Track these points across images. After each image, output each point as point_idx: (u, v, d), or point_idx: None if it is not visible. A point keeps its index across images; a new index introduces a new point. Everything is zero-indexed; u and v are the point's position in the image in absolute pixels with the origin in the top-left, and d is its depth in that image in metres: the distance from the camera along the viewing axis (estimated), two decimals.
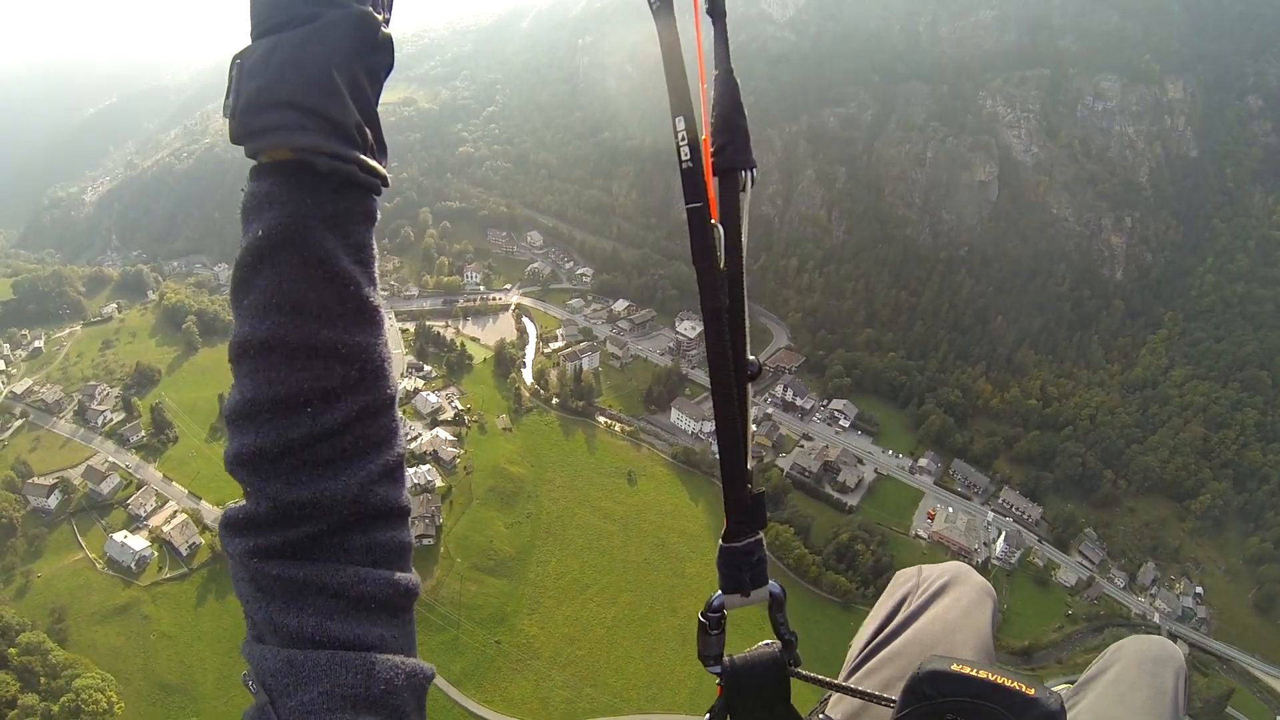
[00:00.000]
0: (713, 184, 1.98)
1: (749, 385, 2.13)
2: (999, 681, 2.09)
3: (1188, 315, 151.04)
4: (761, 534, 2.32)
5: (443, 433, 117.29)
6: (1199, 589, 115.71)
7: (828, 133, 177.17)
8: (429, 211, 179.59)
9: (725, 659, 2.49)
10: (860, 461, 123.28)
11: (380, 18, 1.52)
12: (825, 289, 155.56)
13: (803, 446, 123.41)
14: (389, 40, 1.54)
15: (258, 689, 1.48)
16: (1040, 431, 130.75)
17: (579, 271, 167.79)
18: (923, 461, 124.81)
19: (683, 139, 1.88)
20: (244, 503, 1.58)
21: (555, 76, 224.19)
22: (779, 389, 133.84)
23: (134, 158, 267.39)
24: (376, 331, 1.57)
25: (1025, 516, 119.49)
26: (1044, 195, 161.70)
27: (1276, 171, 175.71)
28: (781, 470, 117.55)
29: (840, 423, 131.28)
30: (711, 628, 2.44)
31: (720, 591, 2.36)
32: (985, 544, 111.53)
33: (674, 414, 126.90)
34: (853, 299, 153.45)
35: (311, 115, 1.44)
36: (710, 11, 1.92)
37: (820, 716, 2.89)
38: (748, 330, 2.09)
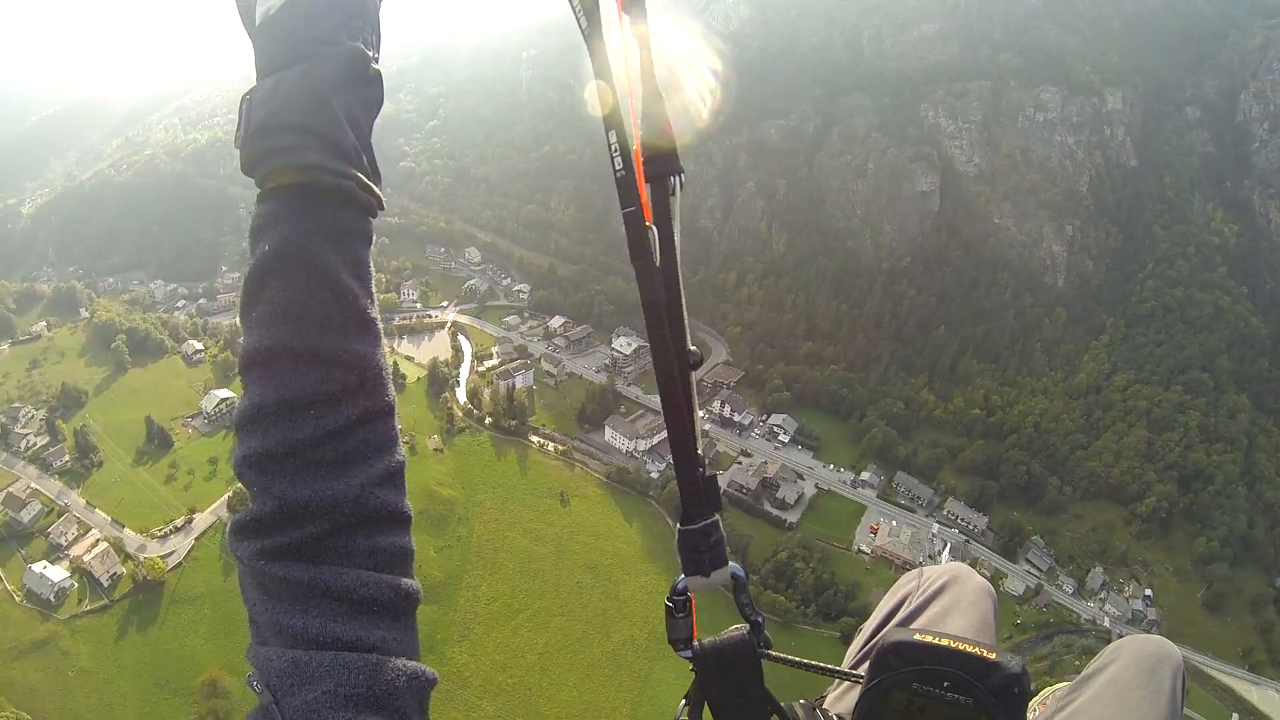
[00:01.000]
0: (645, 190, 2.09)
1: (691, 374, 2.22)
2: (959, 647, 2.14)
3: (1129, 321, 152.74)
4: (718, 516, 2.36)
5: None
6: (1148, 591, 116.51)
7: (769, 145, 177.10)
8: None
9: (696, 643, 2.52)
10: (800, 477, 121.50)
11: (370, 54, 1.70)
12: (765, 302, 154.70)
13: (740, 463, 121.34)
14: (379, 75, 1.72)
15: (262, 689, 1.52)
16: (985, 441, 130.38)
17: (516, 288, 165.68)
18: (865, 475, 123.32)
19: (615, 150, 1.99)
20: (251, 506, 1.63)
21: (499, 90, 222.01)
22: (716, 404, 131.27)
23: (74, 169, 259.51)
24: (375, 342, 1.69)
25: (971, 527, 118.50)
26: (986, 205, 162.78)
27: (1214, 180, 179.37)
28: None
29: (780, 438, 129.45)
30: (678, 610, 2.48)
31: (683, 575, 2.41)
32: (930, 557, 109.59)
33: (608, 433, 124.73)
34: (793, 312, 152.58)
35: (314, 136, 1.60)
36: (634, 26, 2.01)
37: (819, 712, 2.86)
38: (686, 322, 2.20)
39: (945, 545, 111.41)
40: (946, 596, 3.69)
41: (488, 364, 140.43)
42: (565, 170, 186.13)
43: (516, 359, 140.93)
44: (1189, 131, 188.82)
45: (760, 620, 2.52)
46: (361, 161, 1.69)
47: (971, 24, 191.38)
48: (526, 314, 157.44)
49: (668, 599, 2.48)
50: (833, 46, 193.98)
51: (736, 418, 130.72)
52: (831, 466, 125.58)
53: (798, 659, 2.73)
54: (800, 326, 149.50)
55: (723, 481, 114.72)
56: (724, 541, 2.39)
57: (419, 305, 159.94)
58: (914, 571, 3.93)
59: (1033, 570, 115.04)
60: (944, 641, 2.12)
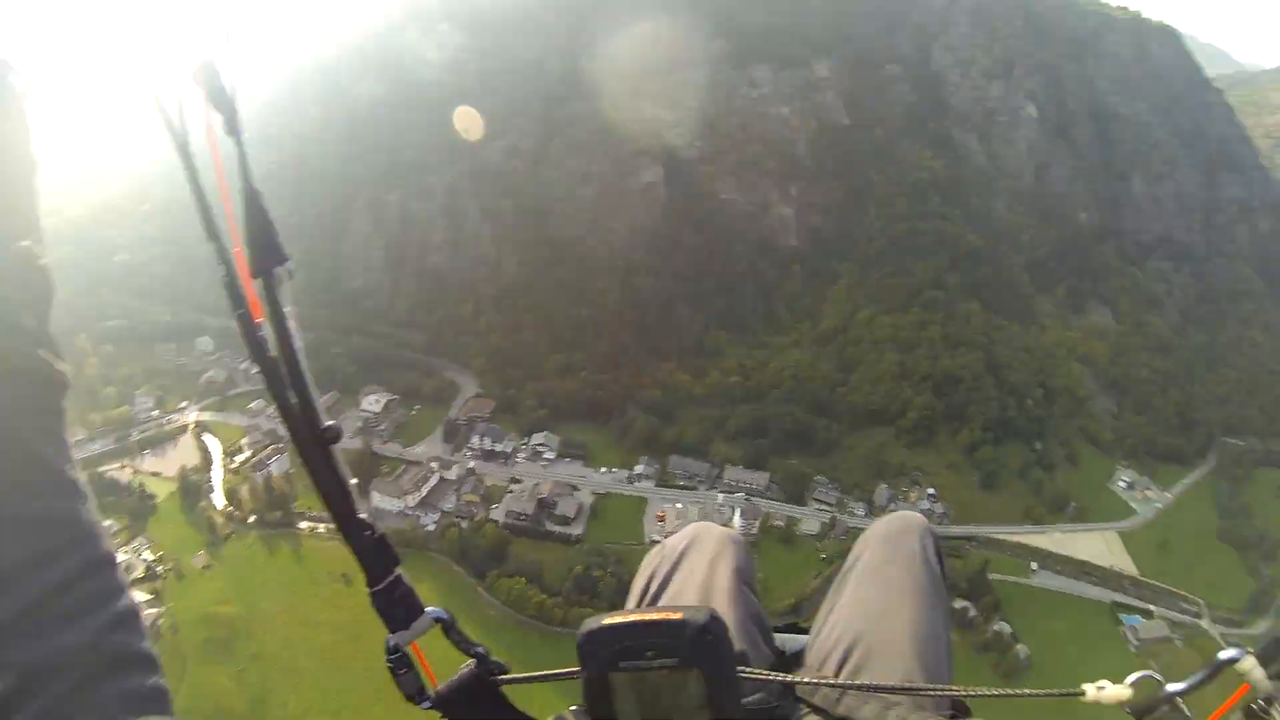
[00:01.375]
0: (253, 288, 2.14)
1: (333, 448, 2.29)
2: (644, 619, 2.21)
3: (862, 263, 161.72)
4: (399, 571, 2.41)
5: (136, 595, 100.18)
6: (930, 491, 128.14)
7: (491, 168, 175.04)
8: (86, 337, 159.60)
9: (432, 692, 2.58)
10: (575, 488, 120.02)
11: (38, 252, 1.68)
12: (505, 326, 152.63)
13: (513, 491, 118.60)
14: (46, 269, 1.68)
15: None
16: (748, 405, 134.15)
17: (255, 370, 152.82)
18: (639, 468, 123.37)
19: (217, 258, 2.07)
20: None
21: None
22: (476, 440, 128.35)
23: None
24: (81, 500, 1.69)
25: (754, 487, 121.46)
26: (712, 184, 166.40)
27: (919, 124, 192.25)
28: (497, 523, 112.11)
29: (546, 456, 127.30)
30: (399, 668, 2.52)
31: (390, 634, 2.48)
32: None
33: (375, 498, 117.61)
34: (534, 329, 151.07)
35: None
36: (228, 130, 2.00)
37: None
38: (316, 400, 2.23)
39: (734, 510, 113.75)
40: (690, 558, 3.62)
41: (240, 459, 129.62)
42: (289, 234, 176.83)
43: (268, 445, 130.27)
44: (892, 86, 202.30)
45: (481, 651, 2.58)
46: (45, 336, 1.67)
47: (683, 17, 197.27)
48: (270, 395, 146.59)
49: (386, 661, 2.50)
50: (550, 58, 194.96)
51: (499, 447, 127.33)
52: (604, 470, 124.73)
53: (531, 675, 2.74)
54: (544, 341, 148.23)
55: (499, 513, 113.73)
56: (412, 593, 2.44)
57: (156, 412, 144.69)
58: (656, 547, 3.83)
59: (823, 507, 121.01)
60: (631, 617, 2.20)
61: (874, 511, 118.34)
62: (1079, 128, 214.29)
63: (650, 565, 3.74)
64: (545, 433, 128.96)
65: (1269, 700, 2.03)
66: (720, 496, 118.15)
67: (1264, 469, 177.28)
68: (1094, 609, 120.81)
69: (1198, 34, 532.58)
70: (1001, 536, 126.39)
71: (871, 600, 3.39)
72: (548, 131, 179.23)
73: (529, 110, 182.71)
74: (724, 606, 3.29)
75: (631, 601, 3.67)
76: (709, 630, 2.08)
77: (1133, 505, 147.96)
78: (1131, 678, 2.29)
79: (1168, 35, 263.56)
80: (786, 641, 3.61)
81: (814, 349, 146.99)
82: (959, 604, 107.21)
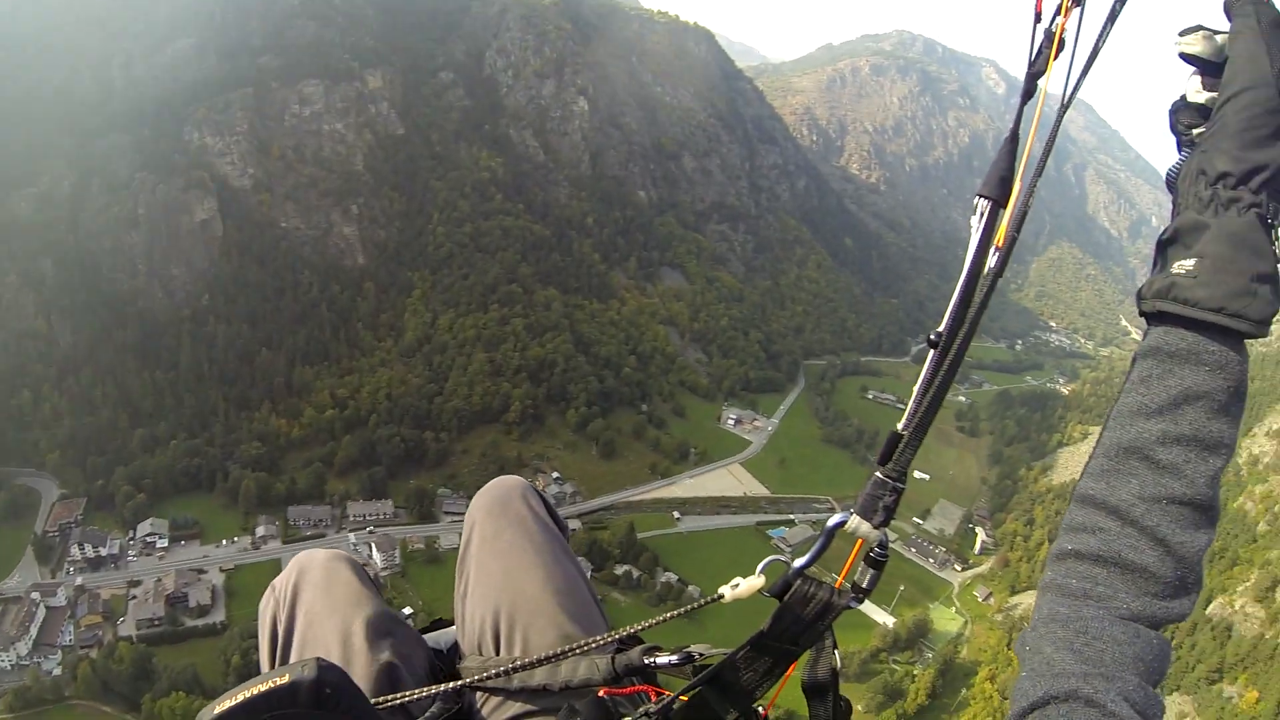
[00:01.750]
0: None
1: None
2: (252, 695, 1.98)
3: (433, 268, 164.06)
4: None
5: None
6: (555, 474, 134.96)
7: (21, 222, 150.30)
8: None
9: None
10: (202, 572, 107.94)
11: None
12: (74, 408, 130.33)
13: (135, 596, 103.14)
14: None
15: None
16: (352, 435, 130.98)
17: None
18: (260, 530, 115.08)
19: None
20: None
21: None
22: (75, 550, 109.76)
23: None
24: None
25: (381, 517, 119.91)
26: (270, 213, 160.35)
27: (475, 127, 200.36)
28: (130, 639, 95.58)
29: (159, 545, 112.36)
30: None
31: None
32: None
33: None
34: (108, 405, 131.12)
35: None
36: None
37: None
38: None
39: (370, 548, 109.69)
40: (305, 596, 3.28)
41: None
42: None
43: None
44: (446, 92, 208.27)
45: None
46: None
47: (229, 31, 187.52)
48: None
49: None
50: (80, 83, 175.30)
51: (104, 552, 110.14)
52: (225, 542, 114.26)
53: None
54: (123, 417, 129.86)
55: (128, 626, 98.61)
56: None
57: None
58: (267, 591, 3.44)
59: (456, 518, 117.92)
60: (240, 698, 1.92)
61: None
62: (629, 117, 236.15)
63: (268, 614, 3.48)
64: (151, 520, 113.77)
65: (882, 545, 2.21)
66: (351, 536, 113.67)
67: (845, 378, 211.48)
68: (743, 534, 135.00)
69: (729, 33, 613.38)
70: (637, 497, 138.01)
71: (497, 572, 3.35)
72: (85, 173, 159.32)
73: (61, 146, 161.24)
74: (356, 633, 3.05)
75: (264, 659, 3.47)
76: (324, 683, 1.92)
77: (745, 437, 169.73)
78: (760, 566, 2.36)
79: (702, 34, 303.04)
80: (439, 638, 3.54)
81: (403, 363, 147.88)
82: (620, 569, 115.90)
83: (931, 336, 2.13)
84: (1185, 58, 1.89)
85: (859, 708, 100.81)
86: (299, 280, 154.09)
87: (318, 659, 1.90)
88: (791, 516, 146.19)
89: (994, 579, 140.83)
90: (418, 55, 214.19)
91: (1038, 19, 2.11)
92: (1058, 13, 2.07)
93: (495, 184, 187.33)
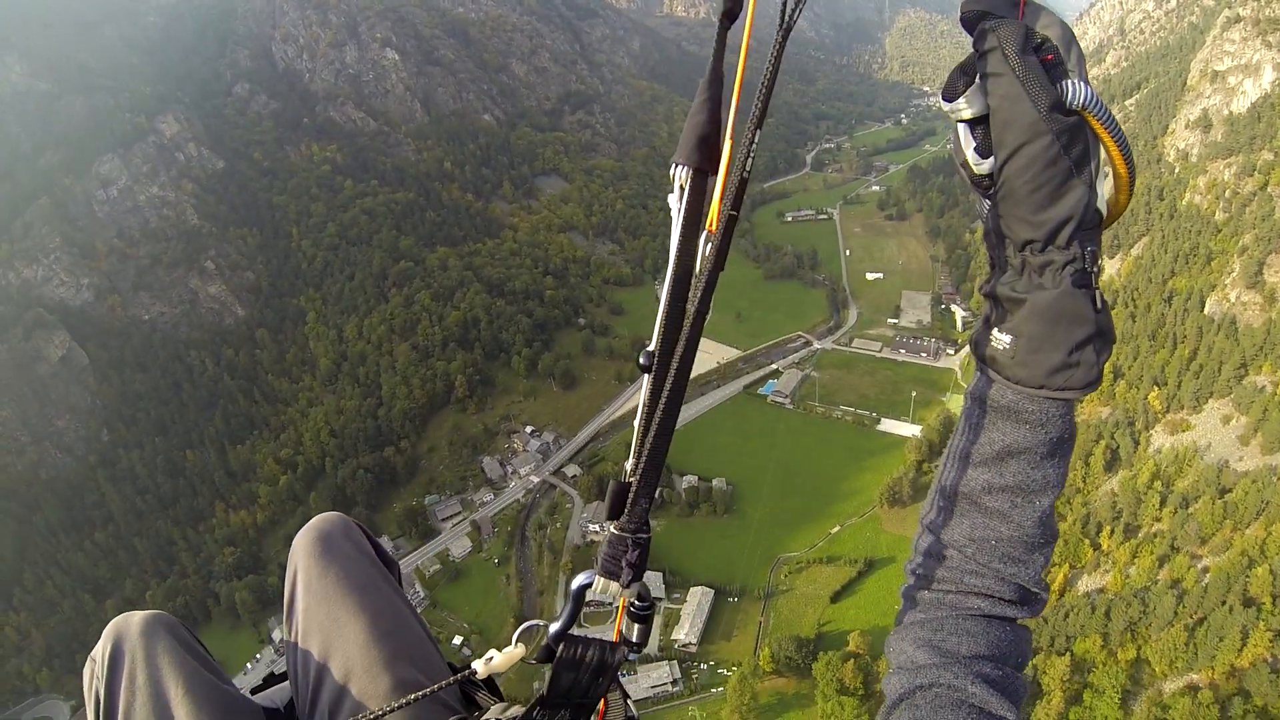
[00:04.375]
0: None
1: None
2: None
3: (315, 285, 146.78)
4: None
5: None
6: (530, 428, 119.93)
7: None
8: None
9: None
10: None
11: None
12: (35, 619, 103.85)
13: None
14: None
15: None
16: (314, 491, 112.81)
17: None
18: (277, 635, 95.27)
19: None
20: None
21: None
22: None
23: None
24: None
25: None
26: (127, 313, 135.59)
27: (293, 127, 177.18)
28: None
29: None
30: None
31: None
32: None
33: None
34: (65, 596, 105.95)
35: None
36: None
37: None
38: None
39: None
40: (123, 668, 2.92)
41: None
42: None
43: None
44: (249, 104, 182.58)
45: None
46: None
47: None
48: None
49: None
50: None
51: None
52: (249, 666, 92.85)
53: None
54: (86, 599, 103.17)
55: None
56: None
57: None
58: (88, 663, 3.05)
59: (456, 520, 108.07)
60: None
61: None
62: (443, 49, 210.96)
63: (90, 687, 2.98)
64: None
65: (641, 598, 2.03)
66: None
67: (757, 209, 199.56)
68: (738, 404, 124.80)
69: None
70: (618, 414, 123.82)
71: (324, 618, 3.00)
72: None
73: None
74: (178, 709, 2.77)
75: None
76: None
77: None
78: (516, 634, 2.25)
79: None
80: (274, 696, 3.19)
81: (330, 392, 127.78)
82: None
83: (641, 359, 1.89)
84: (965, 124, 1.69)
85: None
86: (189, 365, 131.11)
87: None
88: (774, 366, 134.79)
89: None
90: (203, 79, 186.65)
91: None
92: None
93: (339, 172, 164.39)
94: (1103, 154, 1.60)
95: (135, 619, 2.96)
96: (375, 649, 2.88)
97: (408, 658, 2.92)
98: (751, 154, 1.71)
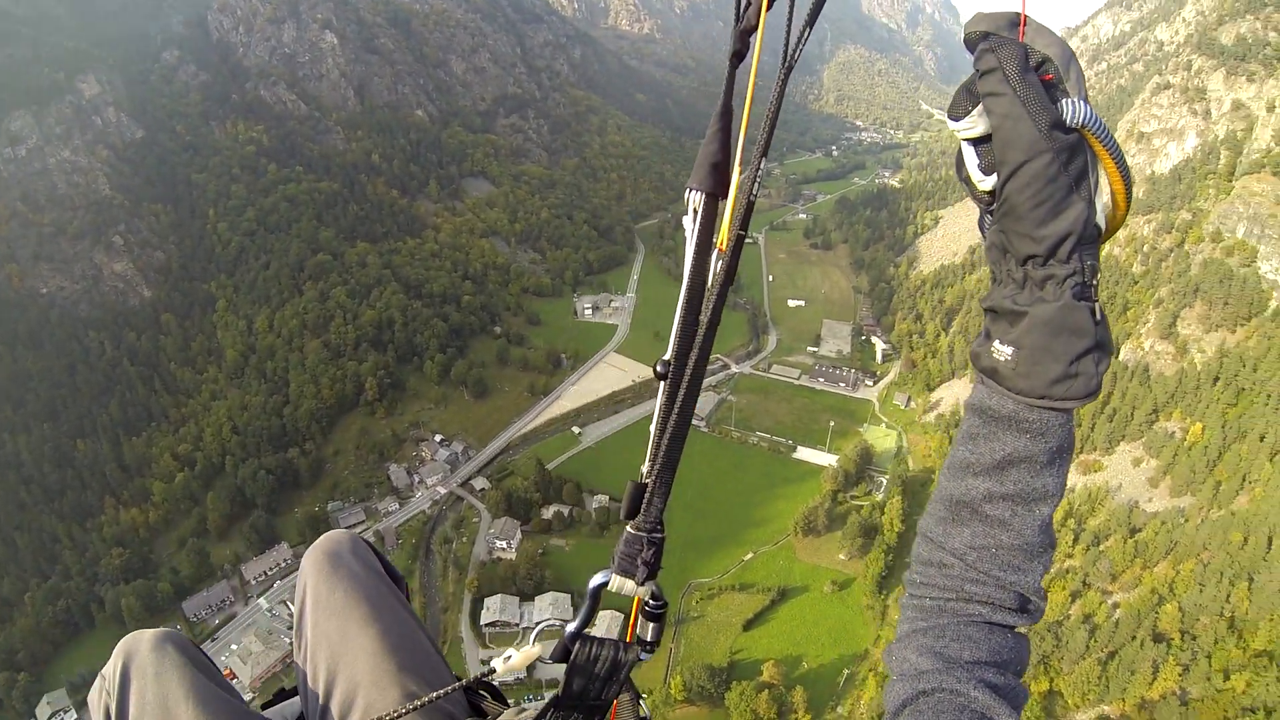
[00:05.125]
0: None
1: None
2: None
3: (229, 271, 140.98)
4: None
5: None
6: (439, 437, 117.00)
7: None
8: None
9: None
10: None
11: None
12: None
13: None
14: None
15: None
16: (212, 491, 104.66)
17: None
18: None
19: None
20: None
21: None
22: None
23: None
24: None
25: (284, 564, 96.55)
26: (24, 284, 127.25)
27: (220, 102, 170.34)
28: None
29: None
30: None
31: None
32: None
33: None
34: None
35: None
36: None
37: None
38: None
39: (287, 607, 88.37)
40: (134, 687, 2.96)
41: None
42: None
43: None
44: (176, 73, 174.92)
45: None
46: None
47: None
48: None
49: None
50: None
51: None
52: None
53: None
54: None
55: None
56: None
57: None
58: (97, 680, 3.09)
59: (362, 528, 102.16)
60: None
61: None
62: (383, 37, 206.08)
63: (99, 705, 2.99)
64: (46, 698, 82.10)
65: (655, 597, 2.15)
66: (263, 602, 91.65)
67: (681, 229, 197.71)
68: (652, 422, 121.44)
69: None
70: (530, 426, 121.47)
71: (333, 634, 3.07)
72: None
73: None
74: None
75: None
76: None
77: (609, 322, 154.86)
78: (533, 634, 2.38)
79: None
80: (284, 710, 3.27)
81: (236, 386, 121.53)
82: (548, 512, 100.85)
83: (658, 367, 1.97)
84: (969, 142, 1.73)
85: (841, 556, 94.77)
86: (86, 346, 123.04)
87: None
88: None
89: (906, 382, 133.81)
90: (132, 42, 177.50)
91: None
92: None
93: (264, 154, 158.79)
94: (1101, 171, 1.64)
95: (145, 636, 3.08)
96: (384, 662, 2.97)
97: (415, 670, 2.99)
98: (758, 180, 1.86)
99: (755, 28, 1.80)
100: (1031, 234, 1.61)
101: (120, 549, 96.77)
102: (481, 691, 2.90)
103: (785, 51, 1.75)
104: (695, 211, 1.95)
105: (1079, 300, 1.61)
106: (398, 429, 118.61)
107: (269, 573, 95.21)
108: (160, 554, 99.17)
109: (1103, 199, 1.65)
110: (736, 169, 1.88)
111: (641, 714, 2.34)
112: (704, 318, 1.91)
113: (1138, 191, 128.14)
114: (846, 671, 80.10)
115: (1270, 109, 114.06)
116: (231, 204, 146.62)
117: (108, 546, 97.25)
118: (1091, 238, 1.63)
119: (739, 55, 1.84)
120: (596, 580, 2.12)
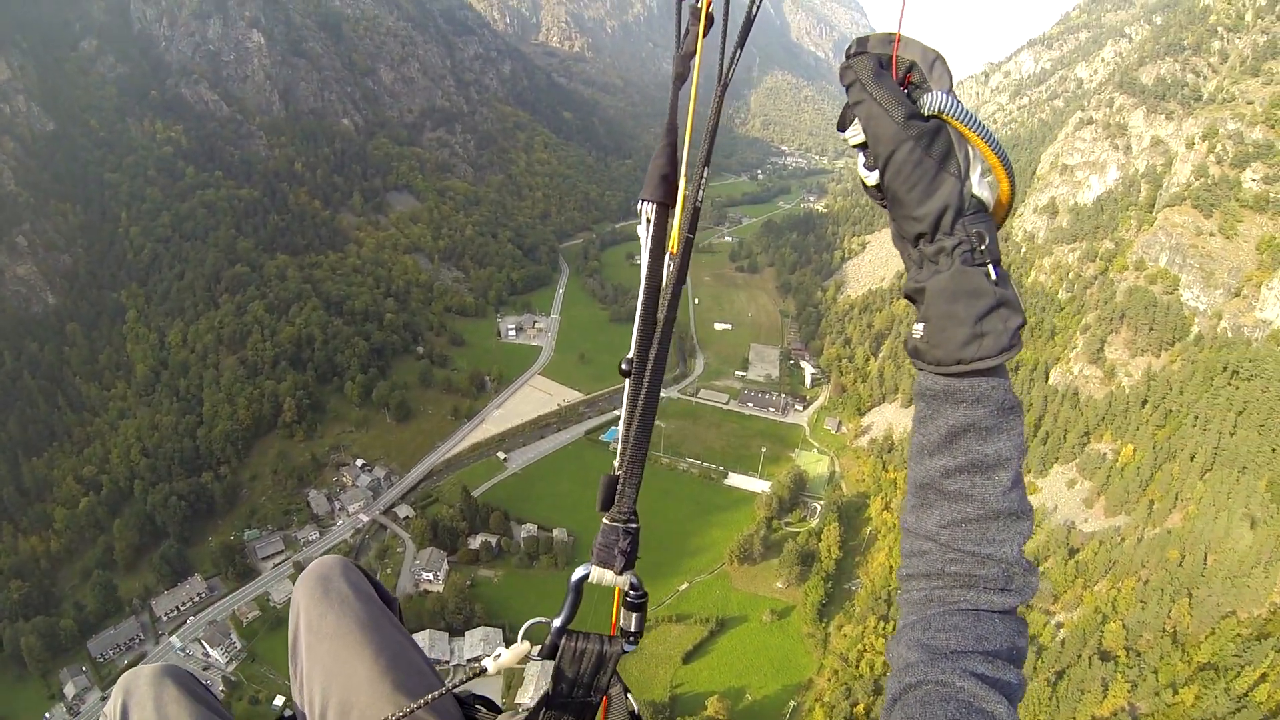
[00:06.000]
0: None
1: None
2: None
3: (140, 279, 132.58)
4: None
5: None
6: (360, 461, 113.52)
7: None
8: None
9: None
10: None
11: None
12: None
13: None
14: None
15: None
16: (119, 518, 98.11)
17: None
18: (69, 689, 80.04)
19: None
20: None
21: None
22: None
23: None
24: None
25: (198, 598, 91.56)
26: None
27: (139, 97, 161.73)
28: None
29: None
30: None
31: None
32: None
33: None
34: None
35: None
36: None
37: None
38: None
39: (202, 646, 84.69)
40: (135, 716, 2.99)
41: None
42: None
43: None
44: (94, 64, 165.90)
45: None
46: None
47: None
48: None
49: None
50: None
51: None
52: None
53: None
54: None
55: None
56: None
57: None
58: (99, 717, 3.14)
59: (278, 561, 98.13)
60: None
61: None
62: (311, 41, 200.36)
63: None
64: None
65: (635, 587, 2.20)
66: (175, 640, 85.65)
67: (607, 250, 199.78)
68: (579, 450, 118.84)
69: None
70: (453, 451, 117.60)
71: (327, 657, 3.07)
72: None
73: None
74: None
75: None
76: None
77: (534, 344, 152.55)
78: (521, 630, 2.29)
79: None
80: None
81: (145, 404, 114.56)
82: (475, 541, 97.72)
83: (623, 365, 2.04)
84: (858, 148, 1.88)
85: (778, 585, 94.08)
86: None
87: None
88: (616, 413, 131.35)
89: (836, 407, 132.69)
90: (48, 27, 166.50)
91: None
92: None
93: (182, 156, 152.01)
94: (972, 149, 1.80)
95: (144, 671, 3.12)
96: (379, 683, 2.96)
97: (411, 689, 2.97)
98: (702, 188, 2.03)
99: (694, 53, 1.96)
100: (914, 214, 1.75)
101: (19, 581, 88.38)
102: (478, 705, 3.03)
103: (720, 71, 1.88)
104: (648, 221, 2.07)
105: (969, 266, 1.73)
106: (317, 453, 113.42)
107: (181, 608, 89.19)
108: (63, 587, 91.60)
109: (981, 174, 1.78)
110: (683, 180, 2.05)
111: (631, 708, 2.41)
112: (661, 315, 2.01)
113: (1061, 221, 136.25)
114: (793, 703, 79.23)
115: (1189, 146, 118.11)
116: (146, 207, 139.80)
117: (5, 579, 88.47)
118: (973, 209, 1.76)
119: (680, 78, 1.99)
120: (578, 574, 2.19)
